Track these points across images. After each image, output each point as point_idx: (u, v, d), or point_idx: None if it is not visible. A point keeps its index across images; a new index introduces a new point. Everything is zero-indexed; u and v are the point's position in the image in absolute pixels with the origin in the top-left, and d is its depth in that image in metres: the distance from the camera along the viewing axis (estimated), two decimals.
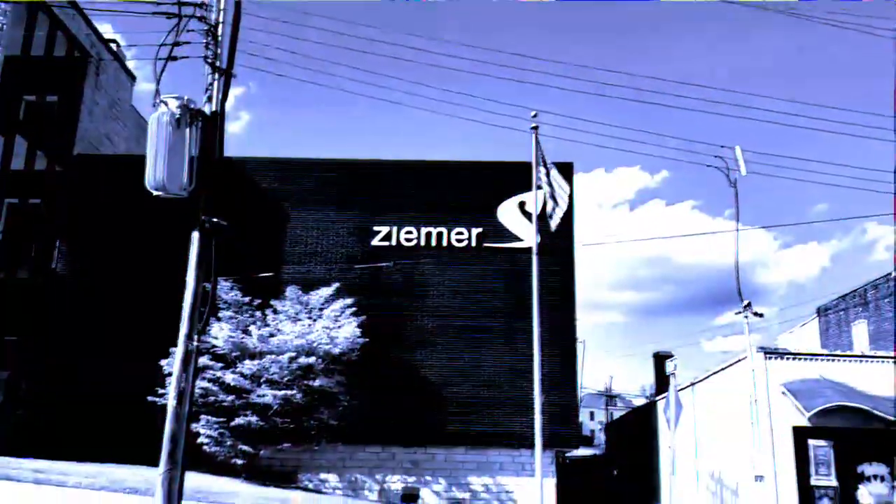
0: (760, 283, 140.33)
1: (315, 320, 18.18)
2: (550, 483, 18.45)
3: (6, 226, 21.67)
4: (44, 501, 9.45)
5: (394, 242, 20.95)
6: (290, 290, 18.80)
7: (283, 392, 16.64)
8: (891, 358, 18.08)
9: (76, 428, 18.96)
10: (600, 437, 59.22)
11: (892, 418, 16.59)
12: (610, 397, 61.77)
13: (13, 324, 20.45)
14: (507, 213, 21.12)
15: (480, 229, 20.98)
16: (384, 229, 21.04)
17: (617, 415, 51.46)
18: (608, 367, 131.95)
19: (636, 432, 28.60)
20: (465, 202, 21.26)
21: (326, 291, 18.92)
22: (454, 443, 19.64)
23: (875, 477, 17.15)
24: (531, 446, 14.73)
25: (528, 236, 20.06)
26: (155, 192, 8.47)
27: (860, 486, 17.09)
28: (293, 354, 16.99)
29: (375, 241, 20.96)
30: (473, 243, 20.94)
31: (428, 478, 19.50)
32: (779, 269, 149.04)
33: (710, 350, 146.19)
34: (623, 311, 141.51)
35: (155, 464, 15.36)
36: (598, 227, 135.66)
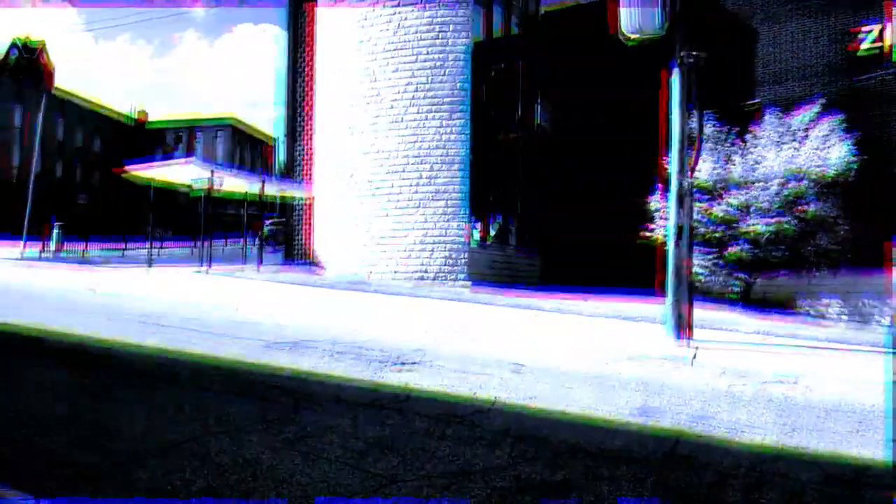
0: None
1: (800, 143, 17.02)
2: None
3: (492, 90, 24.26)
4: (569, 325, 10.91)
5: (888, 42, 18.14)
6: (769, 114, 17.76)
7: (774, 220, 16.17)
8: None
9: (570, 265, 21.27)
10: None
11: None
12: None
13: (511, 178, 23.25)
14: None
15: None
16: (874, 28, 18.30)
17: None
18: None
19: None
20: None
21: (810, 110, 17.44)
22: None
23: None
24: None
25: None
26: (632, 37, 8.67)
27: None
28: (781, 181, 16.28)
29: (863, 45, 18.41)
30: None
31: None
32: None
33: None
34: None
35: (647, 293, 16.48)
36: None
